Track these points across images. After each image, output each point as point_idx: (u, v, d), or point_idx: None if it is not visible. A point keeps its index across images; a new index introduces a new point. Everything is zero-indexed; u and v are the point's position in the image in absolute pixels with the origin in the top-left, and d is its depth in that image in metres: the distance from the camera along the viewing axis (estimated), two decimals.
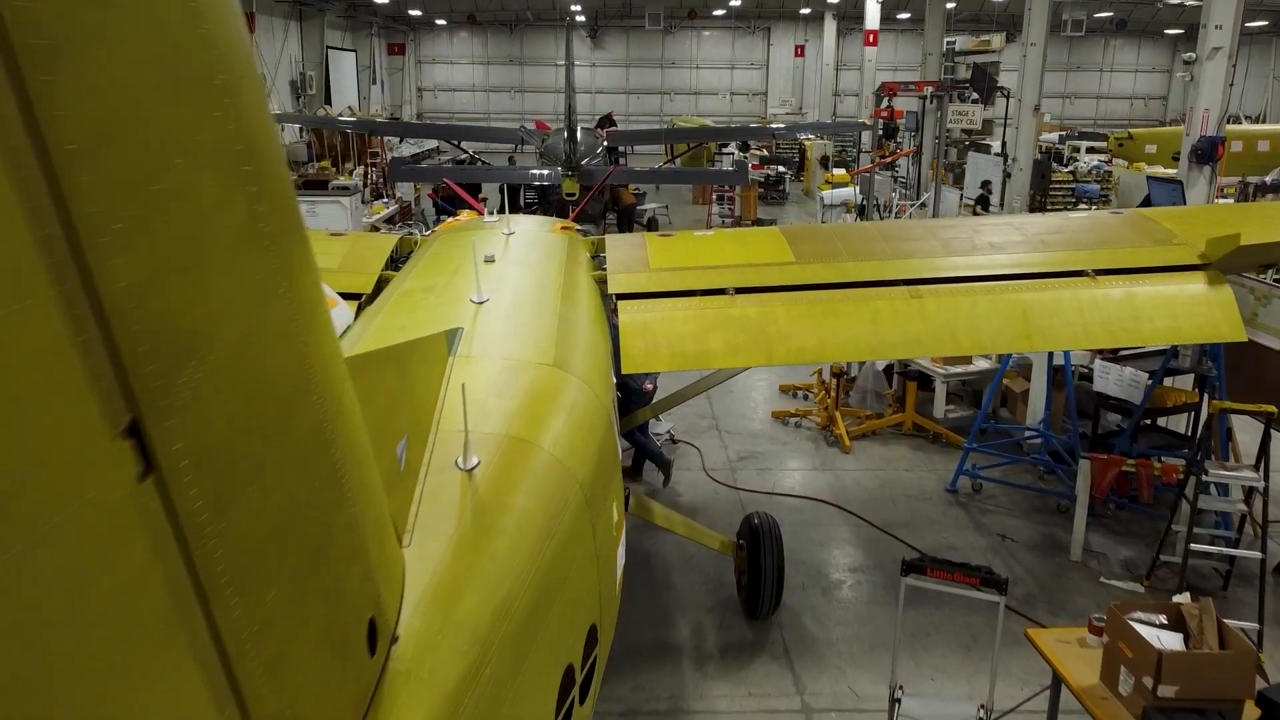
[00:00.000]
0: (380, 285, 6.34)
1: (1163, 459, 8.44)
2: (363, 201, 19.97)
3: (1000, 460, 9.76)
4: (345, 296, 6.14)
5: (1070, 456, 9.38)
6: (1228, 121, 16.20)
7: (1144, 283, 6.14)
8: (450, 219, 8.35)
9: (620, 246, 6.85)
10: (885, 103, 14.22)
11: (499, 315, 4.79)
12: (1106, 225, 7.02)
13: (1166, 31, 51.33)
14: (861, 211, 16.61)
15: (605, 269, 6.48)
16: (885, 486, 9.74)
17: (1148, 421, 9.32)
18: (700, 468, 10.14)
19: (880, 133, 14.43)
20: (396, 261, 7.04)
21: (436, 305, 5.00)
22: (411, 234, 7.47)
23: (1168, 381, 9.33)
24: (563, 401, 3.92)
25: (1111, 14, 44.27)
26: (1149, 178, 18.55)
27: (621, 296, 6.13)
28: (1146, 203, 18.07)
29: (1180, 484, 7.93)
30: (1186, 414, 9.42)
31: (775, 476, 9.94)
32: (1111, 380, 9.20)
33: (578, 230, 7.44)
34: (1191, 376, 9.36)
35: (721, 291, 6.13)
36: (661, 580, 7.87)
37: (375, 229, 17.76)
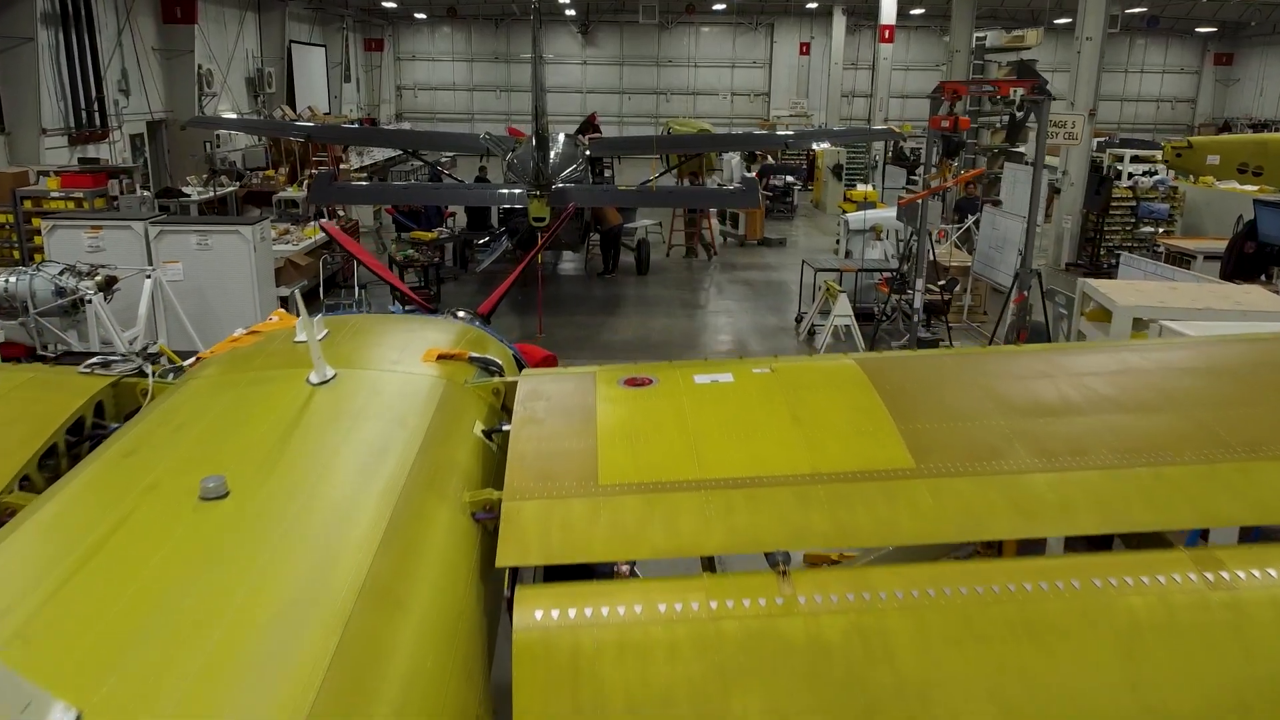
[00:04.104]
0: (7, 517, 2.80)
1: None
2: (289, 222, 16.41)
3: None
4: None
5: None
6: None
7: None
8: (265, 321, 4.67)
9: (537, 421, 3.24)
10: (947, 109, 10.76)
11: None
12: None
13: (1197, 30, 48.07)
14: (908, 253, 13.07)
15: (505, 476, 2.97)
16: None
17: None
18: None
19: (939, 148, 10.97)
20: (96, 439, 3.51)
21: None
22: (145, 370, 3.88)
23: None
24: None
25: (1145, 9, 40.90)
26: (1255, 201, 15.10)
27: (524, 589, 2.60)
28: (1251, 233, 14.60)
29: None
30: None
31: None
32: None
33: (476, 363, 3.84)
34: None
35: (771, 565, 2.63)
36: None
37: (294, 265, 14.21)
